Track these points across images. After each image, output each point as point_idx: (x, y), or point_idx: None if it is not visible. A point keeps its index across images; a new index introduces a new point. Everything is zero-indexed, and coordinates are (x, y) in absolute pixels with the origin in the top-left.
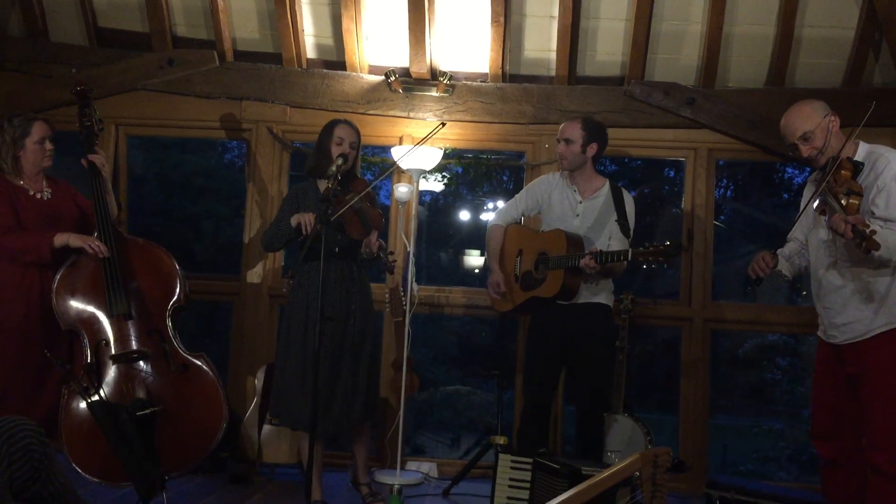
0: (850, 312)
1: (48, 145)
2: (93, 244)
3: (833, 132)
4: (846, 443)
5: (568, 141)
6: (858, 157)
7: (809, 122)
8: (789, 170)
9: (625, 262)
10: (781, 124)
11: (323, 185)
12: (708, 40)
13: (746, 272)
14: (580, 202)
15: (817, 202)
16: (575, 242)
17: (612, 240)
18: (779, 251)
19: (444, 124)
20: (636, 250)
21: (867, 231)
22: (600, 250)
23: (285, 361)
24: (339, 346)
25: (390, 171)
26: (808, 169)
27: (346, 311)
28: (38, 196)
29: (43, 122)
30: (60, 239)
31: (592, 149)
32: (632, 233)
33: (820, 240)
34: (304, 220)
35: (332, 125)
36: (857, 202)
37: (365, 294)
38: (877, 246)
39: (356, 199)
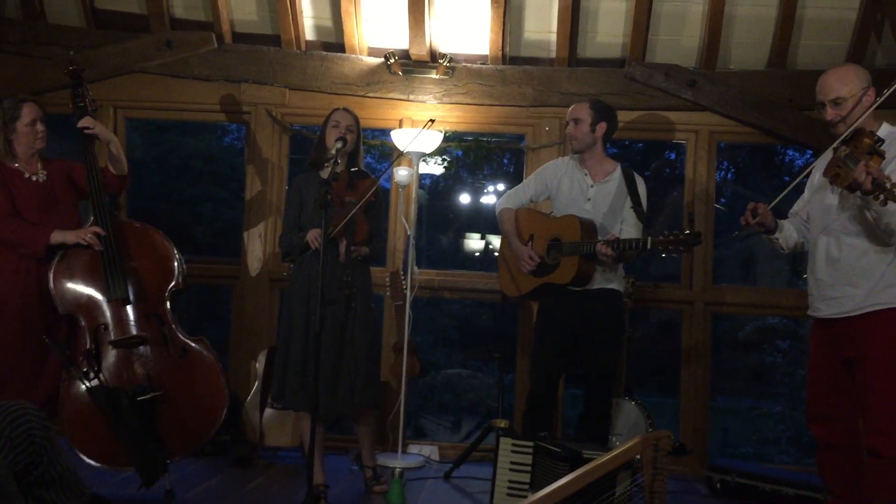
0: (841, 287)
1: (40, 127)
2: (87, 237)
3: (863, 105)
4: (842, 426)
5: (577, 121)
6: (880, 135)
7: (846, 88)
8: (790, 152)
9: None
10: (819, 81)
11: (326, 173)
12: (709, 21)
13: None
14: (591, 186)
15: (828, 166)
16: (589, 228)
17: (624, 224)
18: (780, 221)
19: (433, 120)
20: (655, 239)
21: (888, 184)
22: (617, 238)
23: (288, 344)
24: (342, 329)
25: (394, 162)
26: (810, 152)
27: (348, 295)
28: (34, 178)
29: (33, 104)
30: (57, 237)
31: (601, 128)
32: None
33: (825, 205)
34: (312, 237)
35: (329, 114)
36: (876, 165)
37: (365, 277)
38: None
39: (356, 209)
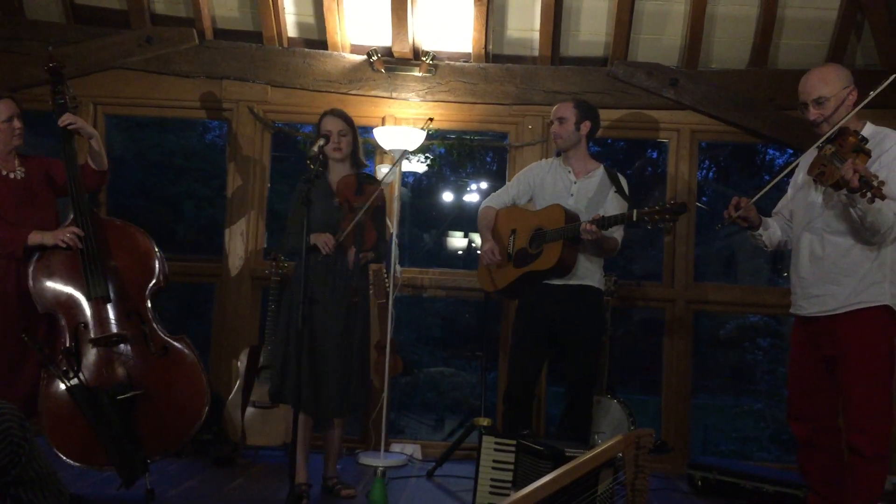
0: (825, 286)
1: (17, 123)
2: (65, 238)
3: (846, 105)
4: (822, 424)
5: (561, 119)
6: (864, 134)
7: (828, 88)
8: (770, 151)
9: (618, 242)
10: (801, 81)
11: (336, 173)
12: (691, 20)
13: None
14: (574, 182)
15: (812, 164)
16: (573, 217)
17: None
18: (765, 218)
19: (431, 119)
20: (641, 210)
21: (875, 182)
22: (603, 216)
23: (289, 342)
24: (344, 334)
25: (394, 165)
26: (790, 151)
27: (355, 302)
28: (12, 176)
29: (10, 101)
30: (35, 239)
31: (586, 126)
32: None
33: (809, 203)
34: (321, 241)
35: (319, 119)
36: (862, 164)
37: (365, 280)
38: (882, 196)
39: (362, 213)
